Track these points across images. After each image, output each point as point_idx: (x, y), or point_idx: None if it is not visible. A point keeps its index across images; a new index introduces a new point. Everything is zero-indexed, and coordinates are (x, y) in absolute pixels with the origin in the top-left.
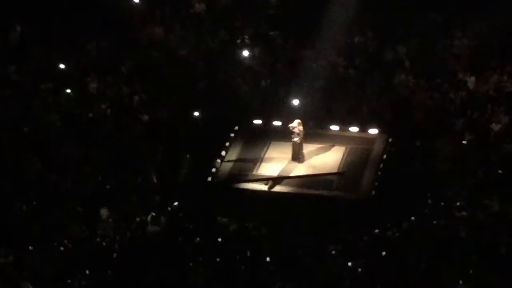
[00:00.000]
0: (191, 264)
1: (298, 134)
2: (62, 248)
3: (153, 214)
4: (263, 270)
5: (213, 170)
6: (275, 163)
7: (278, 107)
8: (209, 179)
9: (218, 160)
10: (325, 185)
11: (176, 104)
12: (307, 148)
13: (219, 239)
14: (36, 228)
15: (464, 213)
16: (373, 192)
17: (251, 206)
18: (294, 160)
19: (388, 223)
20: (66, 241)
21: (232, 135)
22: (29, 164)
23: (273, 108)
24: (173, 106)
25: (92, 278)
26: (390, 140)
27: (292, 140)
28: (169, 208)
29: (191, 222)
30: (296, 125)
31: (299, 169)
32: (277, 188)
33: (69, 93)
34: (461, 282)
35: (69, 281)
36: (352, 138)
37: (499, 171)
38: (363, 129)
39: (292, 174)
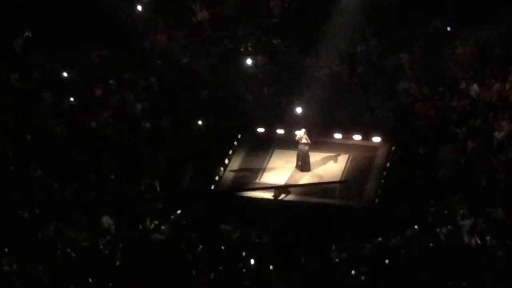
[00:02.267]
0: (194, 272)
1: (305, 143)
2: (65, 256)
3: (156, 222)
4: (266, 278)
5: (216, 178)
6: (278, 171)
7: (281, 115)
8: (212, 187)
9: (221, 168)
10: (328, 194)
11: (179, 112)
12: (311, 157)
13: (222, 247)
14: (39, 236)
15: (467, 221)
16: (376, 200)
17: (254, 214)
18: (299, 169)
19: (391, 231)
20: (68, 249)
21: (235, 143)
22: (32, 172)
23: (276, 116)
24: (176, 114)
25: (95, 286)
26: (393, 148)
27: (301, 149)
28: (172, 216)
29: (194, 230)
30: (302, 134)
31: (302, 178)
32: (280, 196)
33: (72, 101)
34: None
35: None
36: (355, 146)
37: (502, 179)
38: (366, 137)
39: (295, 183)
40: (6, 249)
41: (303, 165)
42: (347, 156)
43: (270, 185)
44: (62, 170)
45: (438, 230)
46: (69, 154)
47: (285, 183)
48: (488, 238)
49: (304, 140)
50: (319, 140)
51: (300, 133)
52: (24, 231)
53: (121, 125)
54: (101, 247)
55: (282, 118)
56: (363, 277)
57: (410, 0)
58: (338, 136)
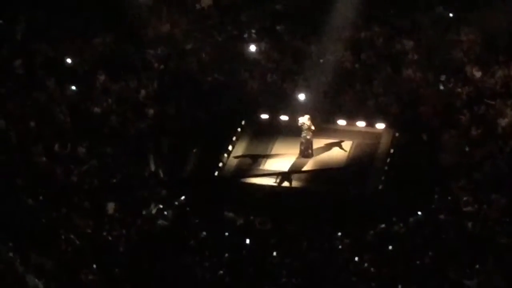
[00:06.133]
0: (197, 258)
1: (309, 130)
2: (68, 243)
3: (160, 208)
4: (269, 264)
5: (220, 164)
6: (282, 158)
7: (285, 102)
8: (216, 173)
9: (225, 155)
10: (332, 180)
11: (183, 99)
12: (314, 143)
13: (226, 234)
14: (43, 223)
15: (471, 208)
16: (380, 187)
17: (257, 201)
18: (303, 155)
19: (394, 218)
20: (72, 236)
21: (239, 129)
22: (35, 159)
23: (280, 103)
24: (179, 101)
25: (98, 273)
26: (396, 134)
27: (305, 135)
28: (175, 203)
29: (198, 216)
30: (306, 120)
31: (306, 164)
32: (284, 183)
33: (75, 87)
34: (467, 277)
35: (75, 275)
36: (359, 132)
37: (506, 166)
38: (370, 123)
39: (298, 169)
40: (10, 236)
41: (307, 151)
42: (350, 142)
43: (274, 172)
44: (66, 156)
45: (441, 216)
46: (73, 140)
47: (288, 170)
48: (491, 225)
49: (307, 127)
50: (323, 127)
51: (304, 120)
52: (28, 218)
53: (125, 112)
54: (104, 233)
55: (286, 105)
56: (366, 264)
57: None
58: (342, 122)
